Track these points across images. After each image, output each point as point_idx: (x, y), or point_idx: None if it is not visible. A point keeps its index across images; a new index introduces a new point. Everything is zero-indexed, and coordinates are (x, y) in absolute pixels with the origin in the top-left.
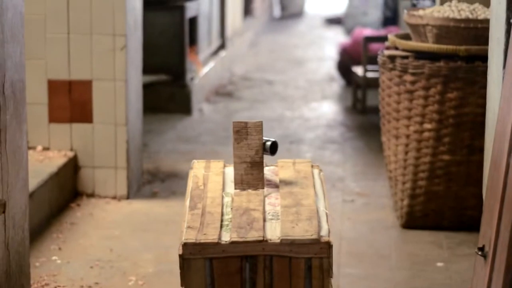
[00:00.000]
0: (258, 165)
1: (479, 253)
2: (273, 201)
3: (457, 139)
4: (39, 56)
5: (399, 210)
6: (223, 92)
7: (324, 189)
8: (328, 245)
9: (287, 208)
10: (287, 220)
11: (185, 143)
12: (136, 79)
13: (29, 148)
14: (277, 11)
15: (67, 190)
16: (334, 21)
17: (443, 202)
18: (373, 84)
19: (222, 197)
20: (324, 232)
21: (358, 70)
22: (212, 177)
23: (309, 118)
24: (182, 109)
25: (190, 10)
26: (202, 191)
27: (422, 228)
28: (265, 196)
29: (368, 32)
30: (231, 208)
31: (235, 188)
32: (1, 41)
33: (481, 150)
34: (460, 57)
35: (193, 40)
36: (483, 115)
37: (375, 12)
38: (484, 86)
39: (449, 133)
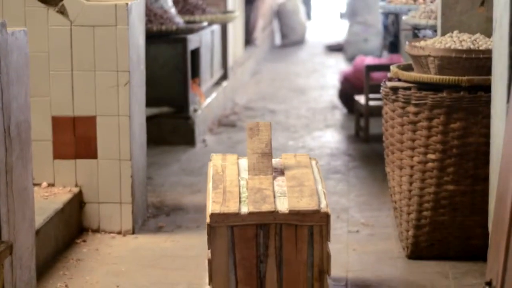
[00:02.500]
0: (267, 156)
1: (487, 287)
2: (280, 183)
3: (461, 169)
4: (43, 93)
5: (405, 241)
6: (226, 123)
7: (321, 175)
8: (327, 215)
9: (292, 187)
10: (293, 196)
11: (189, 175)
12: (139, 114)
13: (34, 184)
14: (278, 39)
15: (72, 226)
16: (335, 48)
17: (448, 232)
18: (376, 112)
19: (239, 180)
20: (323, 205)
21: (361, 98)
22: (229, 166)
23: (312, 148)
24: (185, 141)
25: (192, 42)
26: (222, 176)
27: (428, 258)
28: (273, 180)
29: (369, 60)
30: (247, 188)
31: (249, 174)
32: (6, 83)
33: (485, 179)
34: (462, 87)
35: (196, 72)
36: (486, 144)
37: (376, 39)
38: (487, 116)
39: (453, 163)
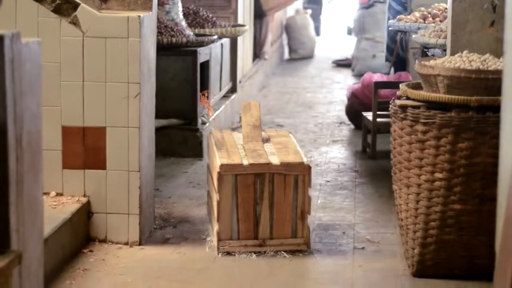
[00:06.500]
0: (257, 127)
1: None
2: (269, 146)
3: (468, 188)
4: (54, 103)
5: (410, 259)
6: None
7: (297, 144)
8: (309, 167)
9: (279, 149)
10: (281, 154)
11: (196, 187)
12: (149, 125)
13: (43, 193)
14: (286, 54)
15: (80, 236)
16: (343, 64)
17: (454, 251)
18: (383, 129)
19: (237, 144)
20: (305, 160)
21: (369, 115)
22: (226, 136)
23: (319, 163)
24: (193, 153)
25: (202, 55)
26: (222, 142)
27: (433, 277)
28: (264, 144)
29: (377, 77)
30: (244, 149)
31: (243, 141)
32: (19, 94)
33: (491, 199)
34: (471, 107)
35: (204, 84)
36: (494, 164)
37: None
38: (495, 137)
39: (460, 182)
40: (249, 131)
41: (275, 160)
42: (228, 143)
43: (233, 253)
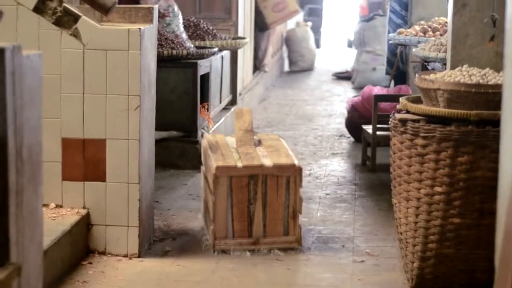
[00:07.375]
0: (249, 132)
1: None
2: (261, 150)
3: (467, 202)
4: (54, 115)
5: (410, 272)
6: None
7: (288, 147)
8: (300, 169)
9: (271, 152)
10: (274, 156)
11: (196, 199)
12: (149, 138)
13: (42, 205)
14: (287, 66)
15: (79, 248)
16: (343, 76)
17: (453, 264)
18: (383, 142)
19: (230, 148)
20: (296, 162)
21: (369, 128)
22: (220, 140)
23: (319, 176)
24: (192, 165)
25: (203, 67)
26: (216, 145)
27: None
28: (256, 147)
29: (377, 90)
30: (238, 153)
31: (236, 145)
32: (20, 106)
33: (491, 213)
34: (471, 121)
35: (205, 97)
36: (493, 179)
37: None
38: (495, 151)
39: (459, 196)
40: (242, 136)
41: (268, 162)
42: (222, 146)
43: (228, 251)
